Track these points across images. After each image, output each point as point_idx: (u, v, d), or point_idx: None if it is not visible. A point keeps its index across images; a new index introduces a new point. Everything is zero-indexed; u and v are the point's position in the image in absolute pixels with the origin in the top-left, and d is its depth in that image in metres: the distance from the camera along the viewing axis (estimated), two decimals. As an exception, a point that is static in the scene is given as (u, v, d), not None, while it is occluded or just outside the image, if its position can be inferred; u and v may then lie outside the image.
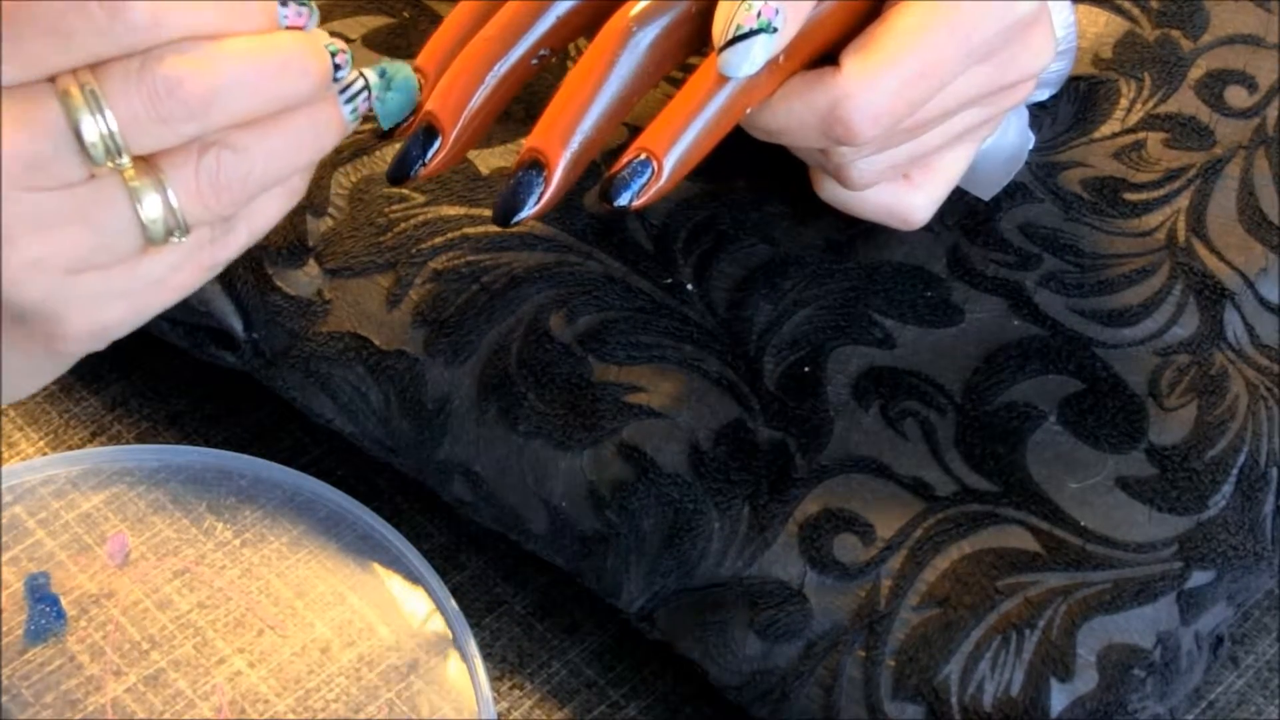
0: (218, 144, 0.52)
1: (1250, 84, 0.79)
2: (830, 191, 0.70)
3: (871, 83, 0.62)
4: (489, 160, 0.73)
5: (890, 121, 0.63)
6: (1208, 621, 0.66)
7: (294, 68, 0.52)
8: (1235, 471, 0.67)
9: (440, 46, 0.65)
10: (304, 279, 0.71)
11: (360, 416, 0.70)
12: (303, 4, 0.54)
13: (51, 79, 0.50)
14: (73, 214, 0.51)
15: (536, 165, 0.61)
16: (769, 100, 0.64)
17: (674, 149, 0.61)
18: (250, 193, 0.54)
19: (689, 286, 0.70)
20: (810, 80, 0.63)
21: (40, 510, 0.72)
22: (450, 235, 0.71)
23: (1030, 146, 0.75)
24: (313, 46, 0.53)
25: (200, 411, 0.77)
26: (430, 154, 0.63)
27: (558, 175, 0.61)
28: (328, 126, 0.55)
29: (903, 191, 0.69)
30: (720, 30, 0.61)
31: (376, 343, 0.69)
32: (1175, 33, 0.80)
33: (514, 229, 0.70)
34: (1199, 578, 0.65)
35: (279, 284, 0.71)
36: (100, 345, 0.56)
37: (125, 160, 0.51)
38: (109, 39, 0.50)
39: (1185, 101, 0.78)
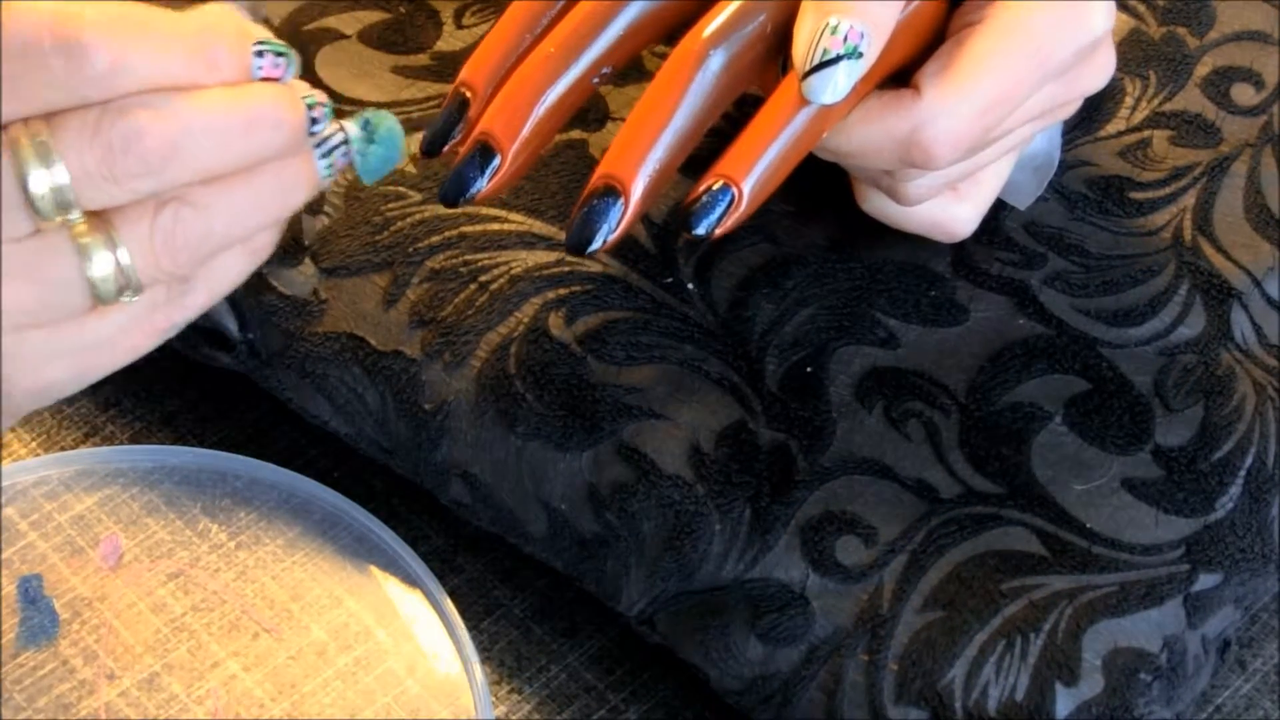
0: (176, 200, 0.50)
1: (1257, 81, 0.78)
2: (876, 205, 0.70)
3: (953, 108, 0.62)
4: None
5: (969, 146, 0.63)
6: (1215, 625, 0.65)
7: (265, 122, 0.50)
8: (1242, 473, 0.66)
9: (487, 61, 0.63)
10: (299, 278, 0.70)
11: (357, 418, 0.69)
12: (280, 54, 0.51)
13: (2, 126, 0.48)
14: (17, 269, 0.49)
15: (612, 192, 0.60)
16: (844, 123, 0.63)
17: (753, 174, 0.60)
18: (209, 252, 0.51)
19: (690, 286, 0.69)
20: (888, 104, 0.63)
21: (33, 512, 0.71)
22: (448, 234, 0.70)
23: (1059, 153, 0.74)
24: (287, 100, 0.50)
25: (195, 412, 0.76)
26: (488, 175, 0.61)
27: (634, 201, 0.60)
28: (297, 182, 0.52)
29: (950, 205, 0.69)
30: (803, 55, 0.60)
31: (373, 343, 0.69)
32: (1181, 30, 0.80)
33: (511, 228, 0.70)
34: (1206, 580, 0.65)
35: (274, 283, 0.70)
36: (45, 404, 0.54)
37: (75, 215, 0.48)
38: (66, 90, 0.47)
39: (1191, 99, 0.78)
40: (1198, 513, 0.65)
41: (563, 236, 0.70)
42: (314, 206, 0.71)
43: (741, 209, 0.60)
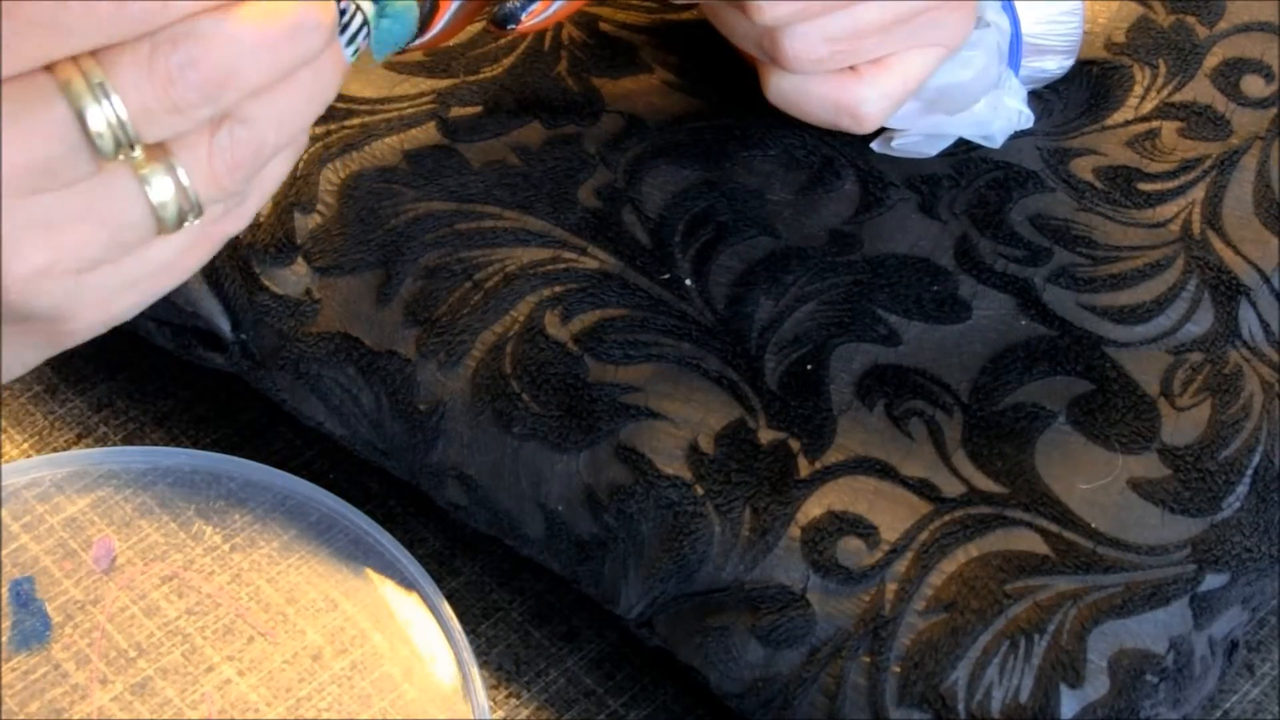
0: (229, 119, 0.49)
1: (1267, 73, 0.78)
2: (777, 88, 0.71)
3: None
4: (481, 154, 0.72)
5: None
6: (1222, 626, 0.65)
7: (305, 26, 0.48)
8: (1250, 472, 0.66)
9: None
10: (292, 278, 0.70)
11: (351, 419, 0.69)
12: None
13: (50, 68, 0.46)
14: (82, 212, 0.48)
15: None
16: None
17: None
18: (264, 163, 0.50)
19: (687, 282, 0.69)
20: None
21: (25, 514, 0.71)
22: (441, 232, 0.70)
23: (1025, 110, 0.74)
24: None
25: (189, 413, 0.76)
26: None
27: None
28: (331, 74, 0.51)
29: (849, 83, 0.70)
30: None
31: (367, 343, 0.68)
32: (1190, 19, 0.80)
33: (505, 225, 0.69)
34: (1213, 581, 0.64)
35: (267, 283, 0.70)
36: (104, 330, 0.53)
37: (137, 152, 0.47)
38: (115, 28, 0.46)
39: (1201, 90, 0.77)
40: (1204, 512, 0.65)
41: (559, 234, 0.70)
42: (307, 205, 0.71)
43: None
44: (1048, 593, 0.62)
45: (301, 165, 0.71)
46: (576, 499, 0.66)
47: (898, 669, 0.61)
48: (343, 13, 0.51)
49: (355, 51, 0.52)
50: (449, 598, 0.69)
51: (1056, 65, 0.75)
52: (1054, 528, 0.63)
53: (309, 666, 0.67)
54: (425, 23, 0.62)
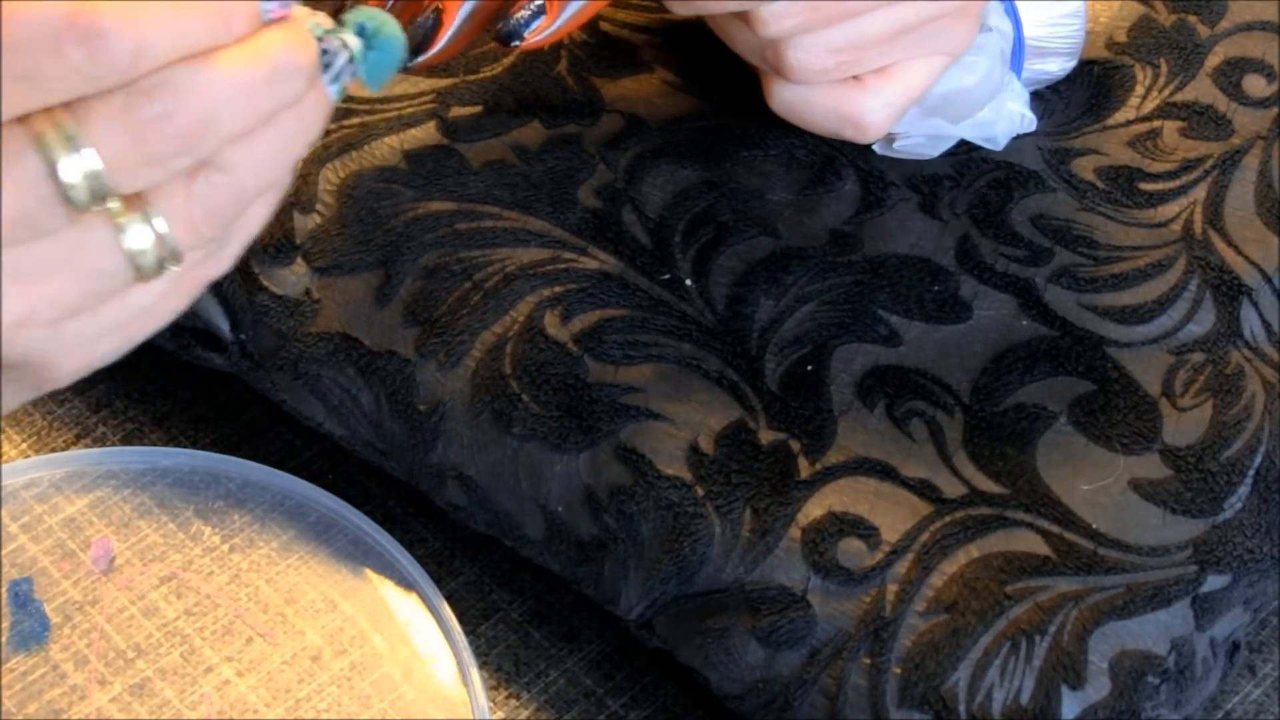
0: (207, 166, 0.48)
1: (1269, 73, 0.78)
2: (780, 98, 0.70)
3: None
4: (481, 154, 0.72)
5: None
6: (1224, 627, 0.64)
7: (285, 70, 0.48)
8: (1251, 473, 0.66)
9: None
10: (292, 278, 0.69)
11: (351, 419, 0.68)
12: None
13: (24, 120, 0.46)
14: (59, 262, 0.48)
15: None
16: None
17: None
18: (244, 209, 0.50)
19: (688, 282, 0.68)
20: None
21: (23, 514, 0.71)
22: (441, 232, 0.69)
23: (1027, 113, 0.74)
24: (301, 41, 0.48)
25: (188, 413, 0.76)
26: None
27: None
28: (315, 115, 0.50)
29: (853, 93, 0.69)
30: None
31: (366, 343, 0.68)
32: (1192, 18, 0.79)
33: (504, 225, 0.69)
34: (1214, 582, 0.64)
35: (266, 283, 0.69)
36: (86, 374, 0.53)
37: (113, 202, 0.47)
38: (87, 79, 0.45)
39: (1202, 89, 0.77)
40: (1206, 513, 0.65)
41: (559, 234, 0.70)
42: (306, 205, 0.70)
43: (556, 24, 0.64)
44: (1049, 594, 0.62)
45: (301, 165, 0.71)
46: (576, 499, 0.65)
47: (898, 670, 0.61)
48: (325, 50, 0.50)
49: (341, 89, 0.51)
50: (449, 598, 0.69)
51: (1058, 67, 0.75)
52: (1055, 528, 0.63)
53: (308, 667, 0.67)
54: (428, 40, 0.62)
